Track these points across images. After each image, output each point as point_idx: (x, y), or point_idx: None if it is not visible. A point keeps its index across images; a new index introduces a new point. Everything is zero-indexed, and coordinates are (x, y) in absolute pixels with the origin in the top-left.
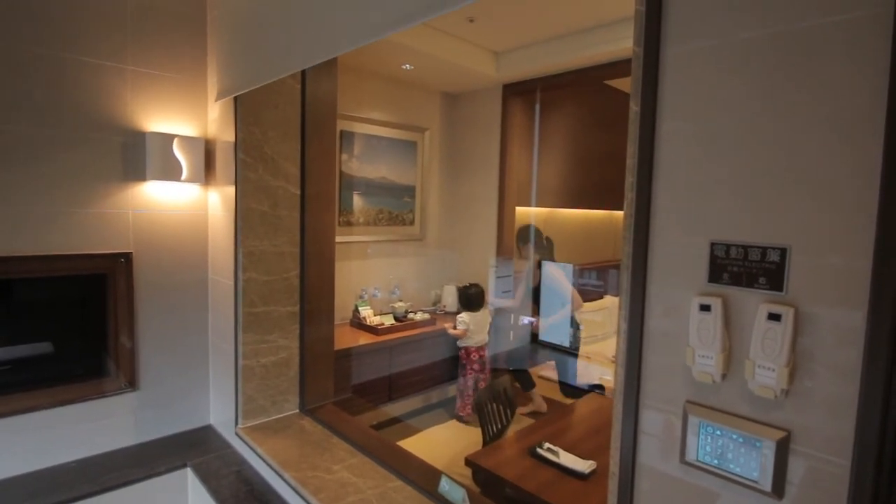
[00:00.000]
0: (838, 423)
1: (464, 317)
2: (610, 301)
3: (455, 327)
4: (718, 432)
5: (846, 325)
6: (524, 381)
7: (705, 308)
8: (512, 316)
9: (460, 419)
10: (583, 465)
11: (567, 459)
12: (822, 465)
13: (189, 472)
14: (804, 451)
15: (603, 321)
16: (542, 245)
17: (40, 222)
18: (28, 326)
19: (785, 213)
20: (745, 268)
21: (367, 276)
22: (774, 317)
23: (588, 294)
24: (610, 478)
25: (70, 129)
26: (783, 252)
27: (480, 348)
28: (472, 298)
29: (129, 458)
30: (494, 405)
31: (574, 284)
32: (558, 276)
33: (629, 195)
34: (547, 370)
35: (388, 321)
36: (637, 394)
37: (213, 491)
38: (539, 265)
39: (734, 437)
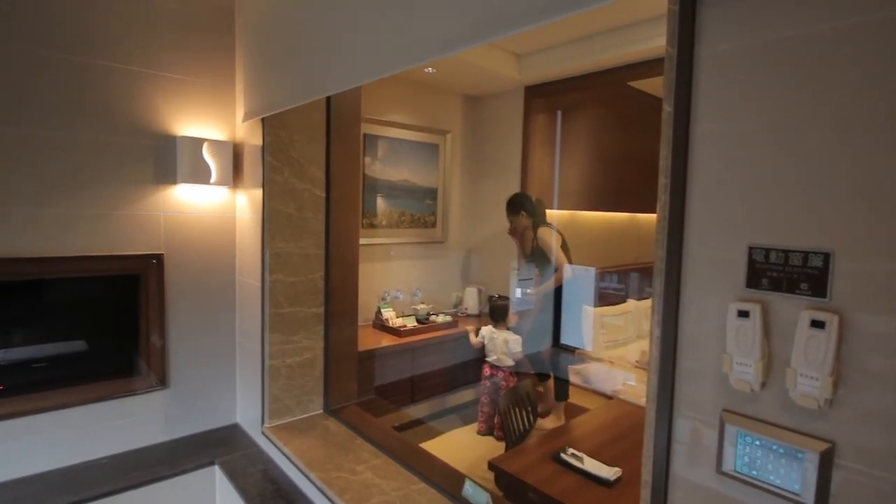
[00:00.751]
0: (886, 436)
1: (484, 329)
2: (633, 305)
3: (477, 334)
4: (757, 442)
5: (895, 332)
6: (560, 390)
7: (743, 314)
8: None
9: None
10: (608, 472)
11: (592, 466)
12: (869, 479)
13: (217, 470)
14: (849, 465)
15: (625, 325)
16: (531, 209)
17: (75, 224)
18: (63, 325)
19: (828, 217)
20: (785, 273)
21: (389, 278)
22: (818, 324)
23: (609, 298)
24: (642, 487)
25: (104, 134)
26: (826, 257)
27: (497, 369)
28: (493, 311)
29: (159, 455)
30: (517, 409)
31: (595, 288)
32: (548, 241)
33: (662, 198)
34: (569, 374)
35: (411, 323)
36: (671, 401)
37: (241, 489)
38: (534, 228)
39: (774, 447)
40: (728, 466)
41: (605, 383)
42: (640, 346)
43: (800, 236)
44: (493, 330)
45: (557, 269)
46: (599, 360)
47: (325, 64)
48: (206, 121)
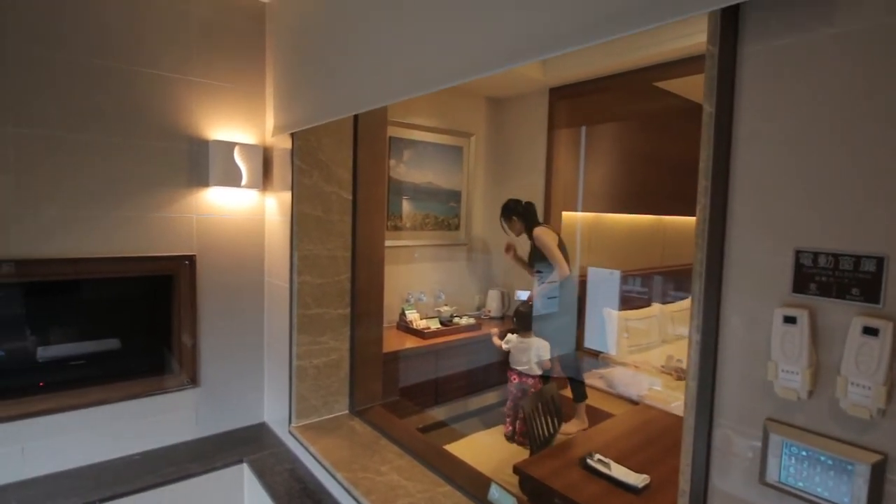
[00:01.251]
0: None
1: (511, 338)
2: (657, 309)
3: (502, 336)
4: (804, 453)
5: None
6: (577, 391)
7: (790, 320)
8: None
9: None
10: (635, 479)
11: (619, 472)
12: None
13: (245, 468)
14: None
15: (648, 329)
16: (522, 211)
17: (111, 226)
18: (98, 324)
19: (882, 220)
20: (835, 278)
21: (413, 280)
22: (871, 331)
23: (633, 301)
24: (679, 496)
25: (139, 138)
26: (880, 261)
27: (526, 376)
28: (519, 318)
29: (189, 453)
30: (541, 413)
31: (619, 291)
32: (544, 239)
33: (702, 200)
34: (592, 378)
35: (434, 325)
36: (711, 409)
37: (268, 487)
38: (528, 231)
39: (822, 458)
40: (772, 477)
41: (631, 388)
42: (666, 351)
43: (851, 240)
44: (521, 339)
45: (557, 268)
46: (624, 364)
47: (355, 81)
48: (238, 125)
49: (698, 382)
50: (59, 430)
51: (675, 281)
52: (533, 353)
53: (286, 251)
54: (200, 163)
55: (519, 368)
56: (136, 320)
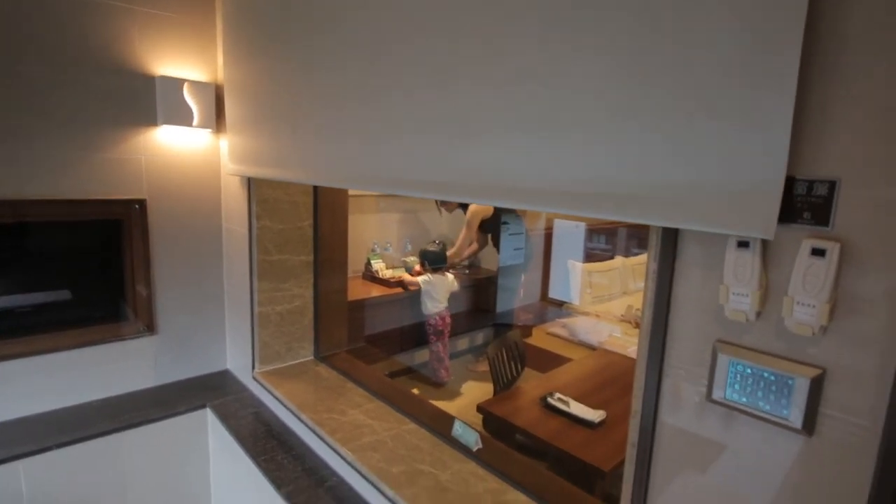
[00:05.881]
0: (877, 362)
1: (424, 278)
2: (620, 262)
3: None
4: (749, 371)
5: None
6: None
7: (743, 244)
8: (522, 275)
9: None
10: (593, 415)
11: (577, 409)
12: (858, 402)
13: (209, 413)
14: (839, 390)
15: (610, 283)
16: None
17: (54, 166)
18: (47, 274)
19: (835, 144)
20: (787, 203)
21: (378, 230)
22: (818, 252)
23: (598, 256)
24: (632, 416)
25: (79, 72)
26: (832, 185)
27: (439, 317)
28: (429, 258)
29: (150, 399)
30: (505, 357)
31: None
32: (469, 218)
33: None
34: (555, 327)
35: (400, 275)
36: (664, 332)
37: (233, 430)
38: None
39: (766, 374)
40: (718, 395)
41: (591, 335)
42: (626, 301)
43: (806, 165)
44: (433, 277)
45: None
46: (586, 313)
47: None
48: (186, 60)
49: (654, 308)
50: (12, 378)
51: (638, 237)
52: (443, 289)
53: (243, 195)
54: (147, 100)
55: (431, 313)
56: (88, 269)
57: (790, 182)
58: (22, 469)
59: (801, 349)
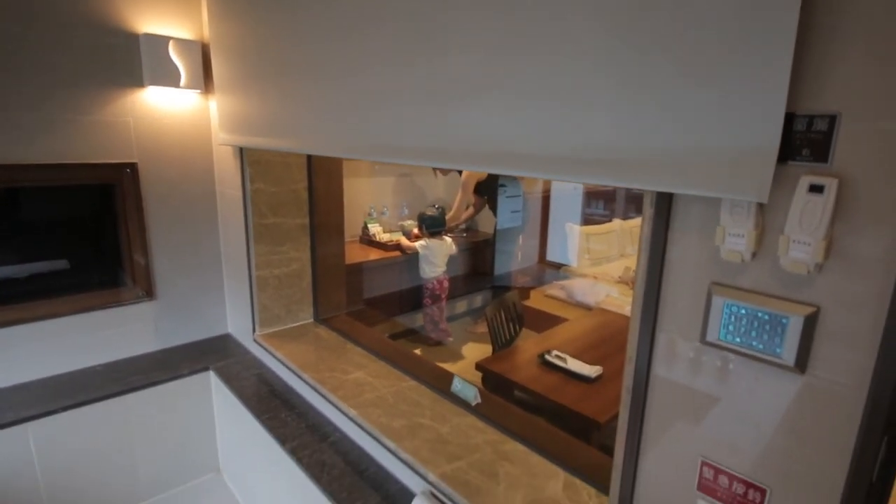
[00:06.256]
0: (872, 299)
1: (421, 242)
2: (618, 224)
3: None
4: (743, 311)
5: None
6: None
7: None
8: (520, 238)
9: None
10: (589, 370)
11: (574, 365)
12: (851, 340)
13: (212, 375)
14: (832, 328)
15: (608, 246)
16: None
17: (40, 129)
18: (43, 245)
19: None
20: (785, 140)
21: (375, 194)
22: (816, 188)
23: (596, 220)
24: (627, 362)
25: (60, 29)
26: (832, 119)
27: (437, 281)
28: (427, 223)
29: (153, 363)
30: (503, 318)
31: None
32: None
33: None
34: (553, 289)
35: (398, 238)
36: (660, 273)
37: (236, 391)
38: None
39: (759, 314)
40: (712, 336)
41: (588, 296)
42: (624, 264)
43: (806, 101)
44: (431, 241)
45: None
46: (584, 275)
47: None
48: (171, 17)
49: (649, 255)
50: (14, 344)
51: (636, 201)
52: (441, 253)
53: (236, 158)
54: (132, 60)
55: (428, 277)
56: (85, 238)
57: (790, 118)
58: (30, 432)
59: (795, 288)
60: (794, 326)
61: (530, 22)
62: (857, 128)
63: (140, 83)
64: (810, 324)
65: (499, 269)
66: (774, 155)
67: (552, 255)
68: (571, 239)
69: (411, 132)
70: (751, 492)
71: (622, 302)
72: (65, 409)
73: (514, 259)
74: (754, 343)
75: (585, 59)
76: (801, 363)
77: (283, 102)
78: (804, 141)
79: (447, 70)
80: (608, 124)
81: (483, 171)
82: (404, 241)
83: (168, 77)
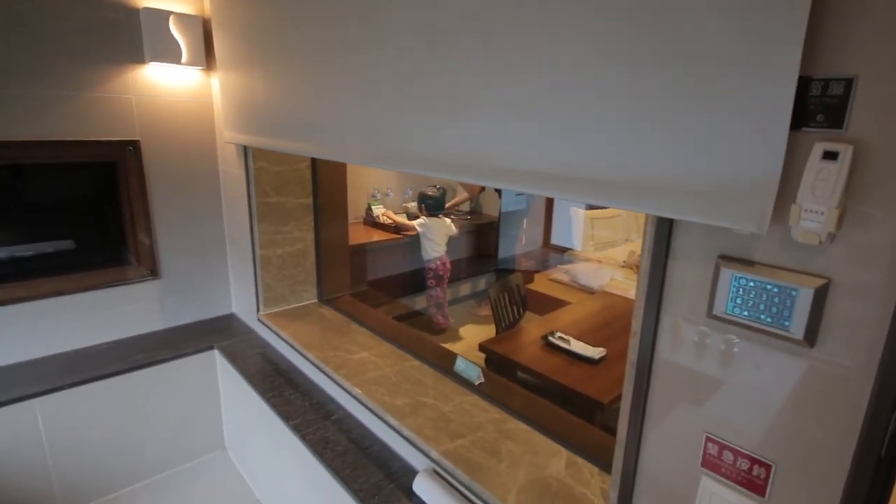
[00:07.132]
0: (885, 270)
1: (420, 220)
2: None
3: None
4: (752, 284)
5: None
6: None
7: None
8: (524, 222)
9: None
10: (593, 352)
11: (578, 347)
12: (861, 313)
13: (216, 353)
14: (843, 301)
15: (615, 229)
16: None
17: (41, 106)
18: (48, 225)
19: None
20: (800, 105)
21: (379, 176)
22: (830, 155)
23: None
24: (632, 337)
25: (58, 3)
26: (849, 83)
27: (440, 262)
28: (427, 202)
29: (158, 342)
30: (507, 300)
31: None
32: None
33: None
34: (557, 273)
35: (401, 220)
36: (666, 248)
37: (241, 369)
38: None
39: (768, 287)
40: (719, 310)
41: (592, 280)
42: (629, 248)
43: (822, 65)
44: (430, 221)
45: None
46: (588, 259)
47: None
48: None
49: (656, 227)
50: (19, 321)
51: None
52: (440, 233)
53: None
54: (132, 35)
55: (430, 258)
56: (89, 217)
57: (804, 82)
58: (38, 408)
59: (806, 260)
60: (804, 299)
61: (528, 48)
62: (874, 92)
63: (141, 59)
64: (820, 296)
65: (503, 252)
66: (775, 187)
67: (557, 239)
68: (576, 223)
69: (415, 141)
70: (756, 467)
71: (626, 285)
72: (70, 385)
73: (519, 242)
74: (762, 316)
75: (585, 80)
76: (811, 337)
77: (286, 93)
78: (819, 106)
79: (451, 86)
80: (607, 143)
81: (483, 184)
82: (400, 219)
83: (169, 53)
